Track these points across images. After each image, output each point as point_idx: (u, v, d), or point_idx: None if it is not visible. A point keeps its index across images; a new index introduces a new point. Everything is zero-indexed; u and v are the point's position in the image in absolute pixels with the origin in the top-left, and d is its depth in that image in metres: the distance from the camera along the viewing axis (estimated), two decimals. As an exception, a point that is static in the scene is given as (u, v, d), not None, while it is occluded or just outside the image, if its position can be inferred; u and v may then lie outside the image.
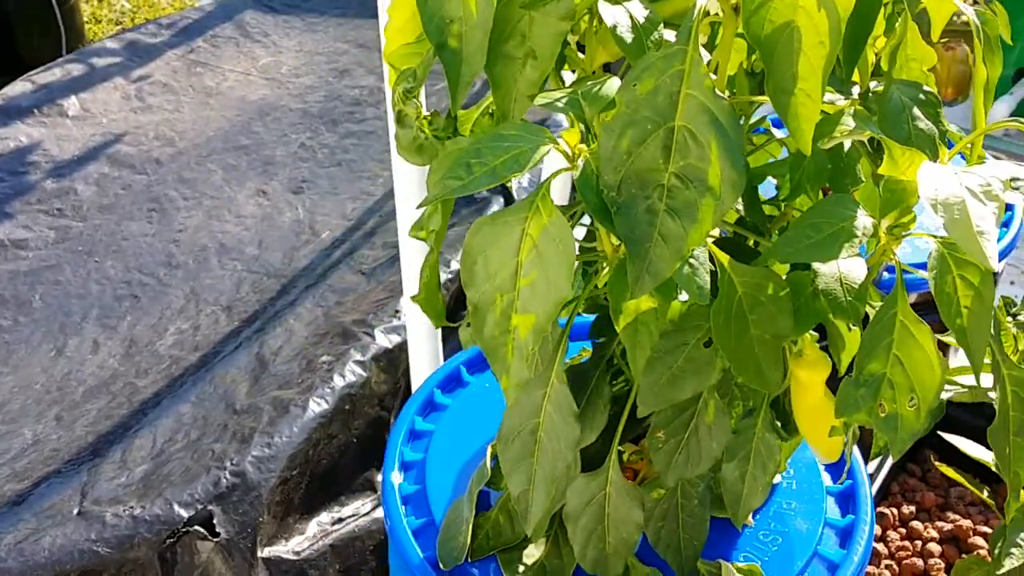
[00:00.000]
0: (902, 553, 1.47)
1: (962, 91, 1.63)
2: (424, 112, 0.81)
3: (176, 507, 1.58)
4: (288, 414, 1.73)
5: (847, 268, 0.77)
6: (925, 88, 0.83)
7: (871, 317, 0.72)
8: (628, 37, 0.76)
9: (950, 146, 0.82)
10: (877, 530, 1.51)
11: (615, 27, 0.76)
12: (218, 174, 2.55)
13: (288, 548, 1.66)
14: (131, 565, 1.53)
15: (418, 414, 1.19)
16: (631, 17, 0.76)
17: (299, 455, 1.68)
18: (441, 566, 1.05)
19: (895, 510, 1.55)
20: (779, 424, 0.88)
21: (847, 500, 1.13)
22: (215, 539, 1.57)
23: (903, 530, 1.53)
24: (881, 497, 1.57)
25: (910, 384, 0.71)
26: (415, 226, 0.94)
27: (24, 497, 1.62)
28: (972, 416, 1.46)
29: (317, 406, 1.74)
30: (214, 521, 1.58)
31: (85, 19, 3.97)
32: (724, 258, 0.77)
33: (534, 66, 0.77)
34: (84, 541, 1.53)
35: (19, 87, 2.68)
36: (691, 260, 0.73)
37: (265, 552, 1.64)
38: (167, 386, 1.89)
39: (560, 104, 0.72)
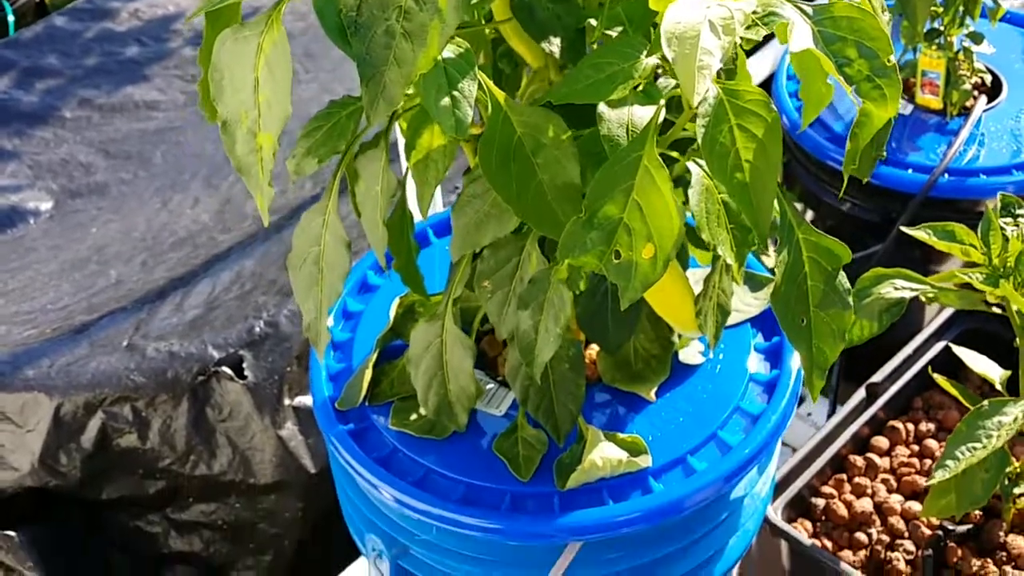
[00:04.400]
0: (904, 469, 1.38)
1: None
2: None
3: (210, 348, 1.68)
4: (331, 274, 1.79)
5: (639, 114, 0.73)
6: (772, -77, 0.75)
7: (611, 156, 0.68)
8: None
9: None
10: (884, 443, 1.42)
11: None
12: (336, 51, 2.61)
13: (318, 400, 1.74)
14: (164, 395, 1.65)
15: (350, 295, 1.21)
16: None
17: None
18: (337, 405, 1.08)
19: (912, 426, 1.44)
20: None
21: (776, 357, 1.09)
22: (242, 381, 1.66)
23: (916, 447, 1.43)
24: (900, 411, 1.47)
25: (648, 232, 0.66)
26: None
27: (87, 327, 1.76)
28: (1004, 328, 1.33)
29: (362, 269, 1.79)
30: (243, 365, 1.68)
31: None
32: (500, 95, 0.74)
33: None
34: (124, 369, 1.66)
35: (174, -41, 2.83)
36: (455, 92, 0.71)
37: (295, 401, 1.72)
38: (240, 242, 2.00)
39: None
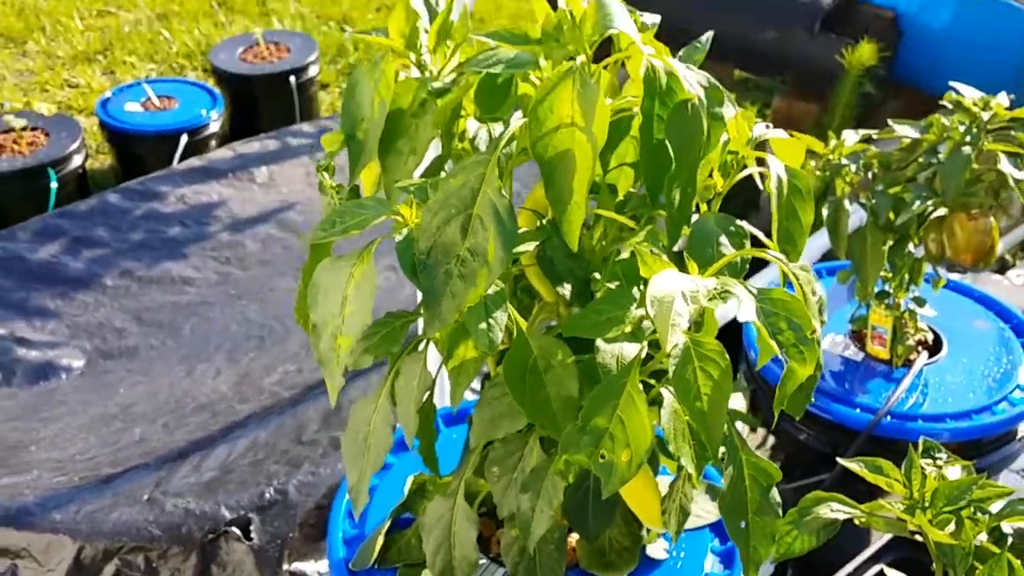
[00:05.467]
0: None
1: (981, 259, 1.71)
2: (334, 183, 1.06)
3: (223, 509, 1.86)
4: (340, 450, 1.98)
5: (627, 350, 0.95)
6: (738, 223, 1.00)
7: (604, 379, 0.90)
8: (483, 147, 0.98)
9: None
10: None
11: (475, 138, 0.99)
12: (364, 249, 2.89)
13: (314, 567, 1.90)
14: (176, 549, 1.81)
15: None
16: (489, 133, 0.99)
17: (338, 486, 1.92)
18: (350, 566, 1.26)
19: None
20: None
21: (729, 559, 1.28)
22: (248, 543, 1.83)
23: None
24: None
25: (627, 440, 0.88)
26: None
27: (112, 479, 1.94)
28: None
29: (366, 450, 1.99)
30: (251, 528, 1.85)
31: (324, 108, 4.37)
32: (522, 323, 0.96)
33: (414, 160, 1.00)
34: (143, 521, 1.83)
35: (222, 153, 3.14)
36: (491, 319, 0.93)
37: (293, 566, 1.88)
38: (257, 414, 2.20)
39: (411, 189, 0.95)
